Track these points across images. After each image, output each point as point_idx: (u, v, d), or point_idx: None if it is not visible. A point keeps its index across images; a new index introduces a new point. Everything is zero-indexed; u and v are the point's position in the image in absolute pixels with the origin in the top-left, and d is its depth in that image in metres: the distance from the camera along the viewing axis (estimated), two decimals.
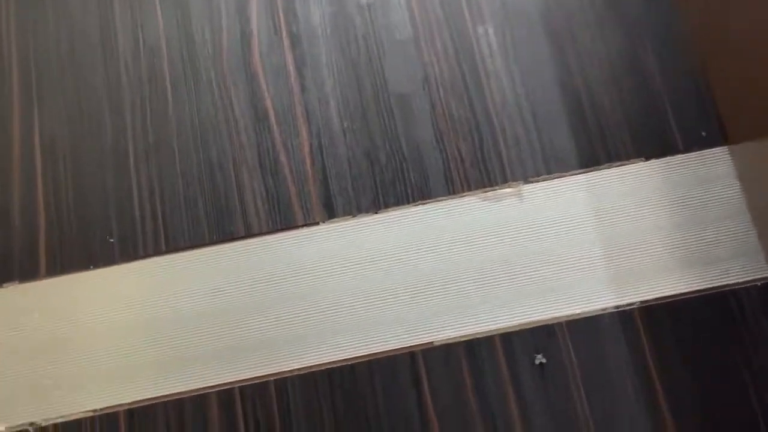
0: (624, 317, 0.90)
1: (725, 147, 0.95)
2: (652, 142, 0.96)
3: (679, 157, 0.95)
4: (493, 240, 0.94)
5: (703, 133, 0.96)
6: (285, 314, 0.93)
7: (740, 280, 0.90)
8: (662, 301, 0.90)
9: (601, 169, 0.96)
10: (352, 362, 0.91)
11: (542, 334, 0.90)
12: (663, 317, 0.90)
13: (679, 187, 0.94)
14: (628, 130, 0.97)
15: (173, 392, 0.91)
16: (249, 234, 0.97)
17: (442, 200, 0.96)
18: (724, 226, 0.92)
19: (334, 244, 0.95)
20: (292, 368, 0.91)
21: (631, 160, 0.96)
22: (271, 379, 0.91)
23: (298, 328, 0.92)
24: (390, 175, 0.97)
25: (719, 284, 0.90)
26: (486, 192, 0.96)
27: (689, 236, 0.92)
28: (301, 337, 0.92)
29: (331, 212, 0.97)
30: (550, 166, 0.96)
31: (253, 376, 0.91)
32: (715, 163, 0.95)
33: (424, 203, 0.96)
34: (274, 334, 0.92)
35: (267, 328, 0.92)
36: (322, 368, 0.91)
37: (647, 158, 0.96)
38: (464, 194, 0.96)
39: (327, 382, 0.90)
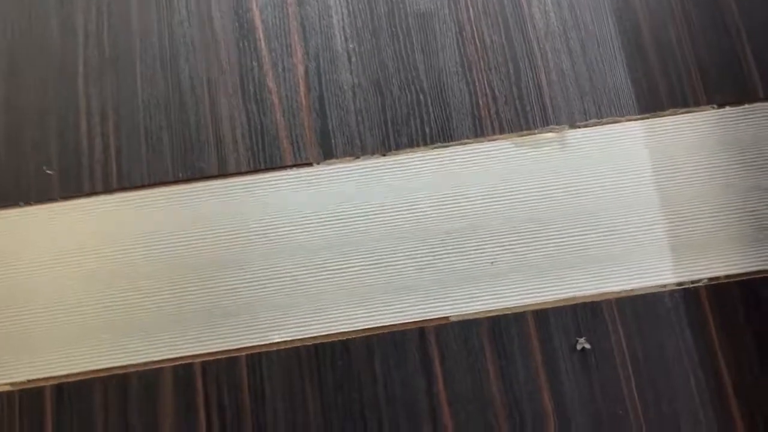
0: (687, 296, 0.72)
1: None
2: (726, 87, 0.78)
3: (759, 105, 0.78)
4: (529, 195, 0.76)
5: None
6: (264, 275, 0.74)
7: None
8: (734, 279, 0.73)
9: (663, 116, 0.78)
10: (346, 338, 0.72)
11: (586, 313, 0.72)
12: (735, 299, 0.72)
13: (758, 143, 0.76)
14: (698, 71, 0.79)
15: (115, 365, 0.71)
16: (224, 173, 0.77)
17: (467, 143, 0.77)
18: None
19: (329, 190, 0.76)
20: (270, 341, 0.72)
21: (700, 107, 0.78)
22: (243, 354, 0.72)
23: (280, 292, 0.73)
24: (404, 109, 0.79)
25: None
26: (522, 136, 0.78)
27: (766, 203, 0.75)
28: (283, 305, 0.73)
29: (328, 152, 0.77)
30: (602, 109, 0.78)
31: (221, 349, 0.72)
32: None
33: (444, 146, 0.77)
34: (249, 299, 0.73)
35: (241, 291, 0.73)
36: (308, 343, 0.72)
37: (720, 105, 0.78)
38: (495, 137, 0.78)
39: (313, 360, 0.71)
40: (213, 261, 0.74)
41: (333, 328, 0.72)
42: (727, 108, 0.78)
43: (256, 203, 0.76)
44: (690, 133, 0.77)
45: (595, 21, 0.81)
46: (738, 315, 0.72)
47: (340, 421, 0.69)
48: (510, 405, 0.70)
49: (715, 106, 0.78)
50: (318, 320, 0.72)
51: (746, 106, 0.78)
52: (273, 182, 0.77)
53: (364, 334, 0.72)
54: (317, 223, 0.75)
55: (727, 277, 0.73)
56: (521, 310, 0.73)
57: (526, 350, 0.71)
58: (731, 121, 0.77)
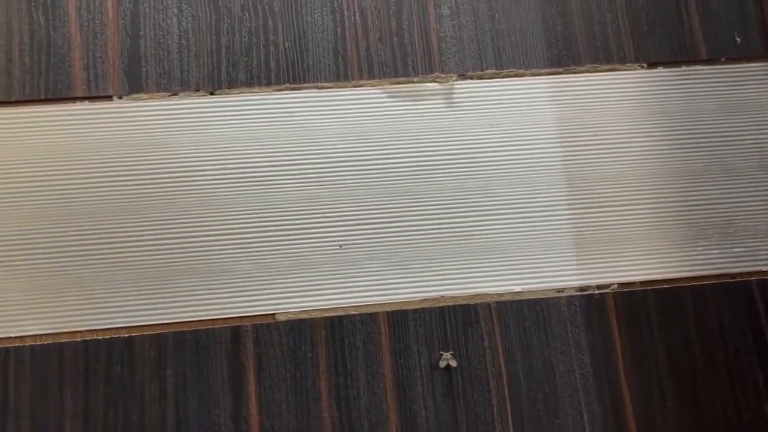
0: (591, 305, 0.55)
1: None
2: (660, 44, 0.62)
3: (699, 68, 0.61)
4: (398, 161, 0.57)
5: (738, 39, 0.62)
6: (30, 238, 0.54)
7: None
8: (652, 287, 0.56)
9: (578, 73, 0.61)
10: (129, 334, 0.52)
11: (456, 319, 0.55)
12: (651, 311, 0.56)
13: (693, 114, 0.60)
14: (628, 21, 0.62)
15: None
16: None
17: (324, 87, 0.59)
18: (760, 180, 0.59)
19: (130, 137, 0.56)
20: (33, 333, 0.52)
21: (627, 65, 0.61)
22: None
23: (37, 268, 0.53)
24: (245, 36, 0.59)
25: (741, 270, 0.57)
26: (398, 84, 0.59)
27: (703, 191, 0.58)
28: (46, 286, 0.53)
29: (135, 84, 0.58)
30: (502, 57, 0.60)
31: None
32: (751, 82, 0.61)
33: (294, 88, 0.58)
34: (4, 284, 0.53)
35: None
36: (76, 339, 0.52)
37: (651, 65, 0.61)
38: (362, 83, 0.59)
39: (80, 360, 0.52)
40: None
41: (109, 320, 0.53)
42: (660, 69, 0.61)
43: (34, 140, 0.55)
44: (610, 97, 0.60)
45: None
46: (653, 332, 0.55)
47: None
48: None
49: (645, 65, 0.61)
50: (87, 309, 0.53)
51: (683, 68, 0.61)
52: (60, 116, 0.56)
53: (152, 332, 0.53)
54: (106, 179, 0.55)
55: (643, 283, 0.56)
56: (372, 310, 0.54)
57: (373, 364, 0.53)
58: (663, 85, 0.61)
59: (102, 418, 0.51)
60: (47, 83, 0.57)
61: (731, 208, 0.58)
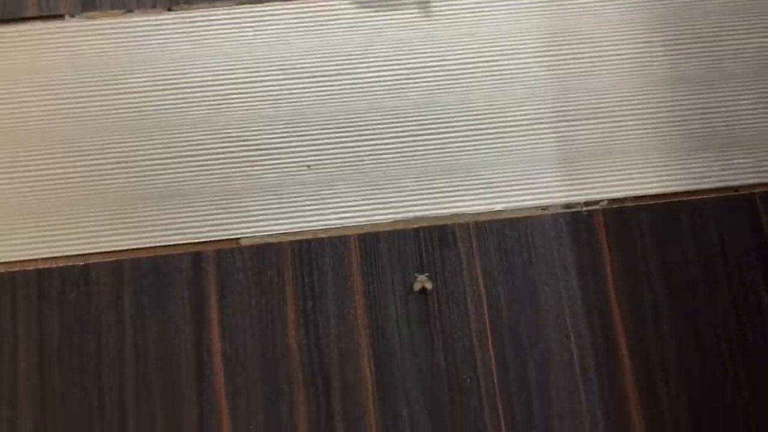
0: (578, 223, 0.51)
1: None
2: None
3: None
4: (371, 76, 0.54)
5: None
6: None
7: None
8: (645, 203, 0.52)
9: None
10: (85, 262, 0.50)
11: (432, 240, 0.51)
12: (644, 228, 0.51)
13: (693, 16, 0.55)
14: None
15: None
16: None
17: (291, 0, 0.55)
18: (762, 85, 0.54)
19: (84, 57, 0.53)
20: None
21: None
22: None
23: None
24: None
25: (743, 182, 0.52)
26: None
27: (702, 99, 0.54)
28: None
29: (88, 2, 0.54)
30: None
31: None
32: None
33: (258, 1, 0.55)
34: None
35: None
36: (28, 267, 0.49)
37: None
38: None
39: (33, 288, 0.49)
40: None
41: (64, 248, 0.50)
42: None
43: None
44: (599, 1, 0.55)
45: None
46: (646, 251, 0.51)
47: (65, 386, 0.47)
48: (312, 365, 0.48)
49: None
50: (40, 238, 0.50)
51: None
52: (12, 38, 0.53)
53: (110, 258, 0.50)
54: (58, 102, 0.52)
55: (636, 198, 0.52)
56: (341, 233, 0.51)
57: (343, 289, 0.50)
58: None
59: (56, 349, 0.48)
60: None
61: (732, 116, 0.53)
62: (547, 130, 0.53)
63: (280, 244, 0.50)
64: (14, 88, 0.52)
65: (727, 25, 0.55)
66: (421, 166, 0.52)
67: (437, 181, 0.52)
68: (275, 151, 0.52)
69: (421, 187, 0.52)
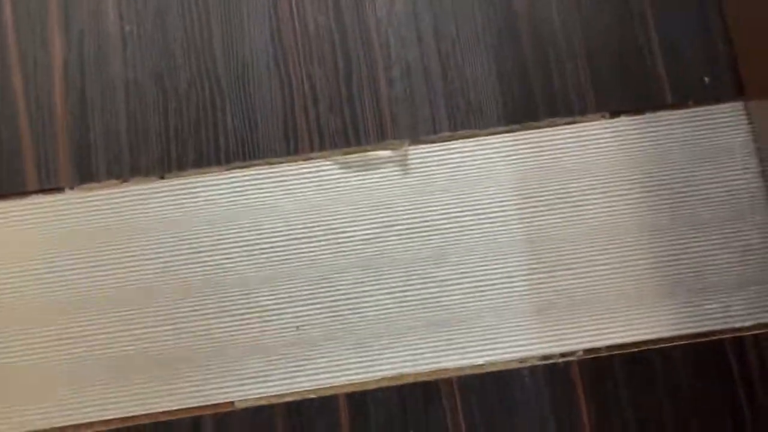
0: (554, 374, 0.54)
1: (739, 102, 0.59)
2: (623, 91, 0.59)
3: (666, 114, 0.59)
4: (354, 236, 0.57)
5: (706, 80, 0.59)
6: None
7: (747, 324, 0.55)
8: (619, 352, 0.55)
9: (537, 129, 0.59)
10: (90, 431, 0.53)
11: (416, 397, 0.54)
12: (618, 378, 0.54)
13: (661, 162, 0.58)
14: (588, 69, 0.60)
15: None
16: None
17: (275, 163, 0.58)
18: (730, 230, 0.56)
19: (83, 227, 0.56)
20: None
21: (587, 117, 0.59)
22: None
23: None
24: (192, 114, 0.59)
25: (712, 328, 0.55)
26: (350, 154, 0.58)
27: (670, 246, 0.56)
28: None
29: (86, 173, 0.58)
30: (456, 118, 0.59)
31: None
32: (722, 126, 0.58)
33: (244, 166, 0.58)
34: None
35: None
36: None
37: (612, 114, 0.59)
38: (312, 156, 0.58)
39: None
40: None
41: (69, 416, 0.53)
42: (622, 117, 0.59)
43: None
44: (571, 152, 0.58)
45: (454, 1, 0.61)
46: (620, 400, 0.54)
47: None
48: None
49: (607, 115, 0.59)
50: (47, 407, 0.53)
51: (647, 115, 0.59)
52: (11, 212, 0.57)
53: (123, 425, 0.53)
54: (57, 272, 0.55)
55: (609, 348, 0.55)
56: (330, 392, 0.54)
57: None
58: (627, 133, 0.58)
59: None
60: (0, 180, 0.57)
61: (700, 262, 0.56)
62: (522, 282, 0.55)
63: (272, 405, 0.54)
64: (13, 261, 0.56)
65: (694, 170, 0.57)
66: (404, 322, 0.55)
67: (419, 337, 0.55)
68: (266, 313, 0.55)
69: (404, 343, 0.54)
